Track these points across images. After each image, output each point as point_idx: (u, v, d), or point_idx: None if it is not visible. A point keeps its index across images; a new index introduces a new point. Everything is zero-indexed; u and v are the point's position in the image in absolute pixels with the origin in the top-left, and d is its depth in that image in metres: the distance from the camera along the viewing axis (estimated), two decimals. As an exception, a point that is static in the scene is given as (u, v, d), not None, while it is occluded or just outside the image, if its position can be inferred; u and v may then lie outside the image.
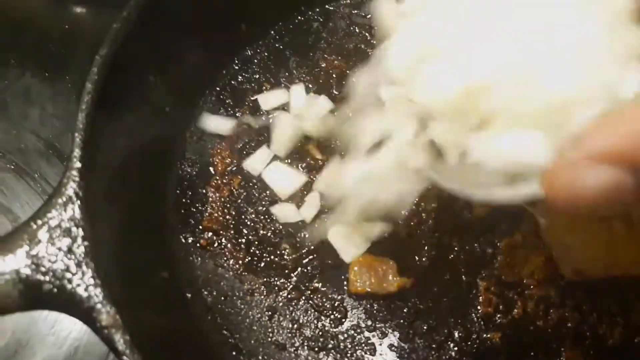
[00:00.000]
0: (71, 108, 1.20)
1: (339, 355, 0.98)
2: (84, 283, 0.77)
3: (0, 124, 1.20)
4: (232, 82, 1.17)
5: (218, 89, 1.16)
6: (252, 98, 1.16)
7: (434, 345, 1.00)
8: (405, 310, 1.02)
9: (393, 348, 0.99)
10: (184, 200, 1.07)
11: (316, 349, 0.99)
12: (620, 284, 1.07)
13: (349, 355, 0.98)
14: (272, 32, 1.22)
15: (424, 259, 1.06)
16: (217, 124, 1.13)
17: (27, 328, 1.06)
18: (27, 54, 1.28)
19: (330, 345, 0.99)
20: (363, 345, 0.99)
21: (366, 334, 1.00)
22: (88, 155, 0.86)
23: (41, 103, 1.23)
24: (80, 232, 0.80)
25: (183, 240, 1.04)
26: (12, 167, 1.16)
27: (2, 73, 1.24)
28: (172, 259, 1.01)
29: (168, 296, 0.97)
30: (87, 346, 1.05)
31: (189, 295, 0.99)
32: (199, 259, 1.04)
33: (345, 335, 0.99)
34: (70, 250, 0.79)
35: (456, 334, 1.01)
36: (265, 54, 1.20)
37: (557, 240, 1.09)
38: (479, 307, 1.04)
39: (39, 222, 0.80)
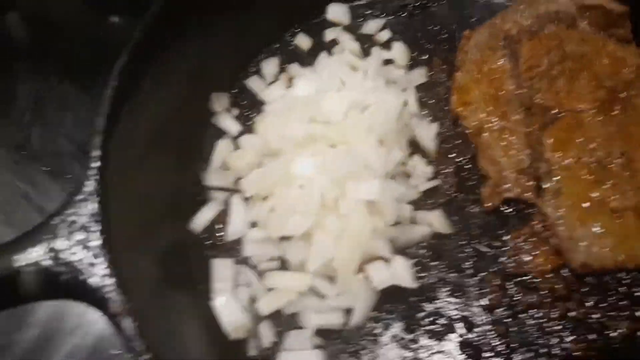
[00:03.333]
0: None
1: (343, 345, 1.02)
2: (98, 274, 0.84)
3: (37, 129, 1.29)
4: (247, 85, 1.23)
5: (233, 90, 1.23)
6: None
7: (437, 337, 1.03)
8: (411, 304, 1.05)
9: (396, 340, 1.03)
10: (198, 198, 1.13)
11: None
12: (627, 279, 1.08)
13: (352, 345, 1.02)
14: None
15: (432, 255, 1.09)
16: (229, 124, 1.18)
17: (57, 320, 1.14)
18: (65, 62, 1.36)
19: (334, 335, 1.03)
20: (367, 336, 1.03)
21: (370, 325, 1.03)
22: (107, 155, 0.93)
23: (76, 109, 1.31)
24: (97, 227, 0.87)
25: (196, 236, 1.10)
26: (48, 169, 1.25)
27: (40, 80, 1.33)
28: (185, 254, 1.07)
29: (182, 288, 1.03)
30: (112, 337, 1.11)
31: (201, 287, 1.05)
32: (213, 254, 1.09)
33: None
34: (86, 244, 0.86)
35: (460, 325, 1.04)
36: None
37: (567, 234, 1.09)
38: (484, 300, 1.06)
39: (59, 218, 0.88)
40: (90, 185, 0.90)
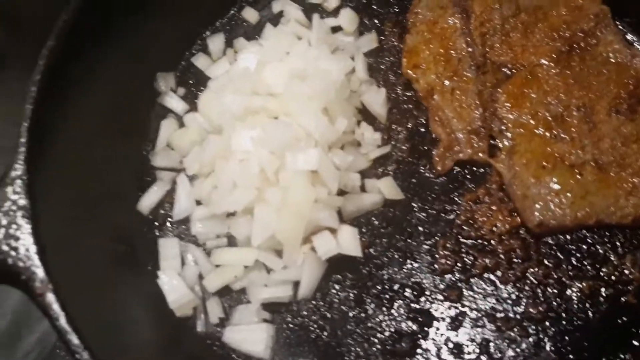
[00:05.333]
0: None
1: (292, 318, 1.01)
2: (24, 257, 0.83)
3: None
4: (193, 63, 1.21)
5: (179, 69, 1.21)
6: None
7: (387, 305, 1.00)
8: (360, 273, 1.03)
9: (345, 309, 1.00)
10: (145, 179, 1.12)
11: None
12: (588, 237, 1.03)
13: (301, 317, 1.01)
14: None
15: (383, 222, 1.06)
16: (175, 104, 1.17)
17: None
18: None
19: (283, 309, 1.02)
20: (316, 308, 1.01)
21: (319, 296, 1.02)
22: (36, 135, 0.91)
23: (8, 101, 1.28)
24: (21, 212, 0.86)
25: (143, 217, 1.10)
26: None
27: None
28: (131, 235, 1.06)
29: (128, 269, 1.03)
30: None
31: (149, 267, 1.04)
32: (160, 234, 1.09)
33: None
34: (10, 228, 0.85)
35: (410, 292, 1.01)
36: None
37: (523, 193, 1.05)
38: (439, 266, 1.02)
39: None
40: (14, 171, 0.88)
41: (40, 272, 0.82)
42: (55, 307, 0.81)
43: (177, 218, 1.08)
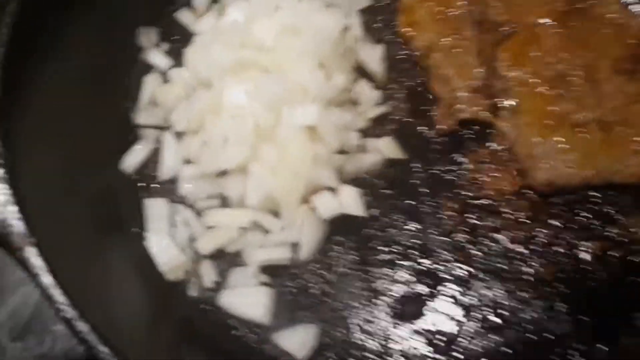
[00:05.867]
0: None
1: (292, 280, 0.95)
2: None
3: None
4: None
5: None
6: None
7: (391, 266, 0.94)
8: (363, 235, 0.97)
9: (348, 273, 0.94)
10: (128, 137, 1.04)
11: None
12: (596, 197, 1.00)
13: (301, 280, 0.94)
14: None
15: (384, 183, 1.01)
16: (159, 60, 1.09)
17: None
18: None
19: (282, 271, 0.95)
20: (317, 270, 0.95)
21: (320, 258, 0.95)
22: (8, 93, 0.84)
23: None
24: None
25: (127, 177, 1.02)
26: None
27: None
28: (116, 196, 0.98)
29: (113, 230, 0.95)
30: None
31: (136, 230, 0.96)
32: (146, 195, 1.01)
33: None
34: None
35: (416, 253, 0.96)
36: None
37: (528, 152, 1.01)
38: (444, 227, 0.98)
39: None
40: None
41: (18, 224, 0.74)
42: (36, 261, 0.73)
43: (164, 178, 1.01)
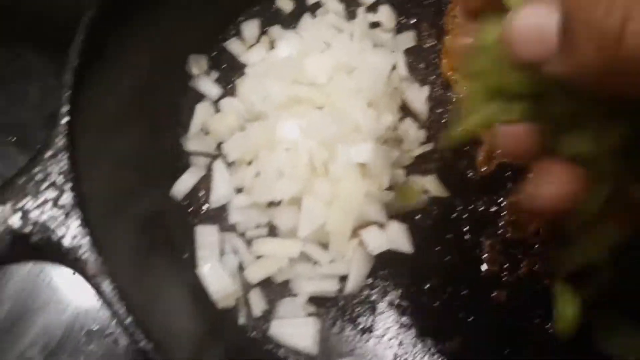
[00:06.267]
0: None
1: (339, 312, 0.97)
2: (71, 233, 0.77)
3: (1, 99, 1.20)
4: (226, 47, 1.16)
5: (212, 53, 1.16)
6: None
7: (436, 304, 0.97)
8: (407, 269, 1.00)
9: (393, 306, 0.97)
10: (178, 164, 1.06)
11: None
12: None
13: (348, 312, 0.97)
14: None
15: (427, 220, 1.04)
16: (209, 88, 1.11)
17: (27, 295, 1.06)
18: (29, 28, 1.26)
19: (329, 303, 0.97)
20: (363, 303, 0.97)
21: (366, 292, 0.98)
22: (76, 112, 0.85)
23: (42, 79, 1.22)
24: (67, 184, 0.79)
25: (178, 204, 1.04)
26: (13, 140, 1.17)
27: (2, 48, 1.24)
28: (167, 222, 1.00)
29: (164, 256, 0.96)
30: (89, 313, 1.04)
31: (186, 256, 0.98)
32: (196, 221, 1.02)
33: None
34: (56, 202, 0.78)
35: (460, 293, 0.98)
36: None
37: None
38: (484, 266, 1.01)
39: (25, 176, 0.80)
40: (59, 141, 0.82)
41: (91, 253, 0.76)
42: (108, 291, 0.75)
43: (215, 205, 1.02)
